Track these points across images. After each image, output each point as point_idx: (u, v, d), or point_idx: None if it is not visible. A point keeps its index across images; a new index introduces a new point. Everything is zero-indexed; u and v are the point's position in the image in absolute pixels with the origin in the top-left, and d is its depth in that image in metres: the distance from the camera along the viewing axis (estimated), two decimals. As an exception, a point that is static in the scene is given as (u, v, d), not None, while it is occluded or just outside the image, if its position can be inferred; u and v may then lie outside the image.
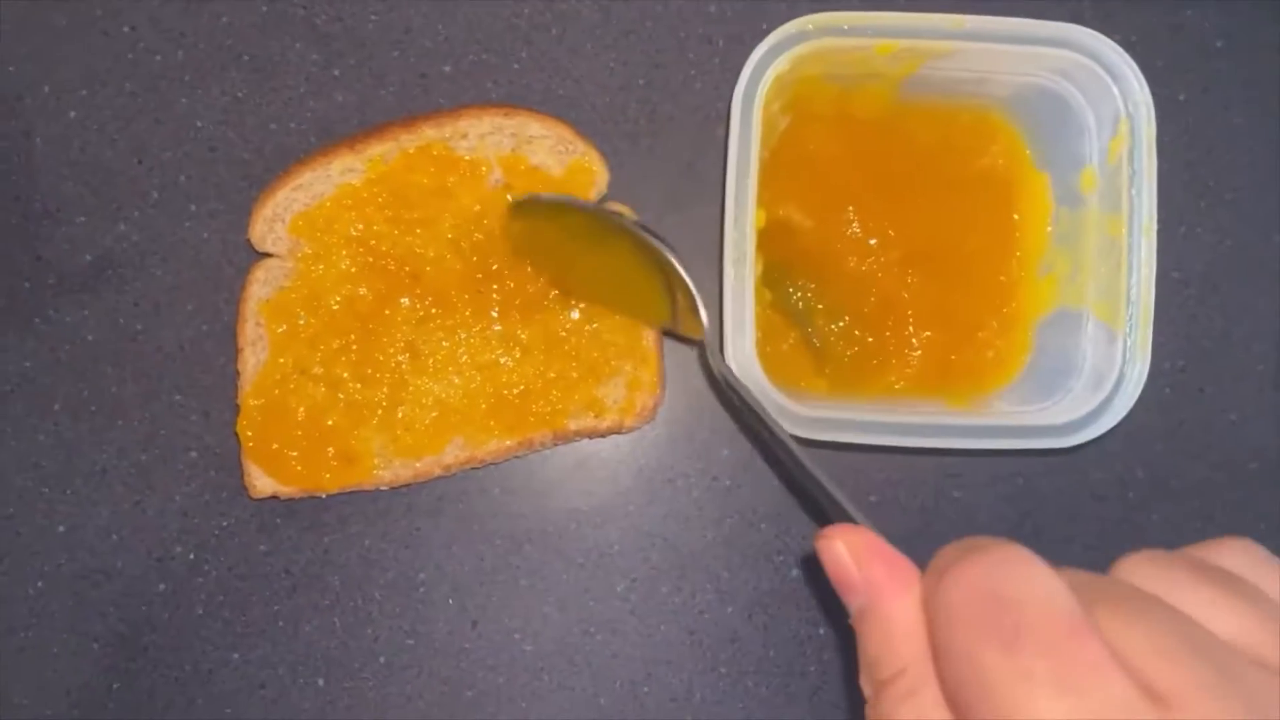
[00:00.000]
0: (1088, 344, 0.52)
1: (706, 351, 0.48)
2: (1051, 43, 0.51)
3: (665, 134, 0.59)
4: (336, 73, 0.58)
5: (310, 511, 0.56)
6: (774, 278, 0.54)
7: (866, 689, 0.29)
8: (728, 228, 0.49)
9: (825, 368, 0.55)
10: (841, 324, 0.55)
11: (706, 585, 0.57)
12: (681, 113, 0.59)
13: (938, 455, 0.54)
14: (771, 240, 0.53)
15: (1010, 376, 0.55)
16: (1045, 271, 0.55)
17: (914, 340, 0.55)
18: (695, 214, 0.58)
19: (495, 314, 0.54)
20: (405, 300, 0.54)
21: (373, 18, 0.58)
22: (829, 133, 0.55)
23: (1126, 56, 0.50)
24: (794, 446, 0.39)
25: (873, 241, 0.55)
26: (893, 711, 0.27)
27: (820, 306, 0.55)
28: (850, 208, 0.55)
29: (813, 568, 0.57)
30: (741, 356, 0.49)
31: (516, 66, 0.58)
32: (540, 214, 0.54)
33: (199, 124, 0.57)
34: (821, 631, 0.57)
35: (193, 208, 0.57)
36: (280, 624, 0.56)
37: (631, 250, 0.50)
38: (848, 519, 0.33)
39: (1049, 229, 0.55)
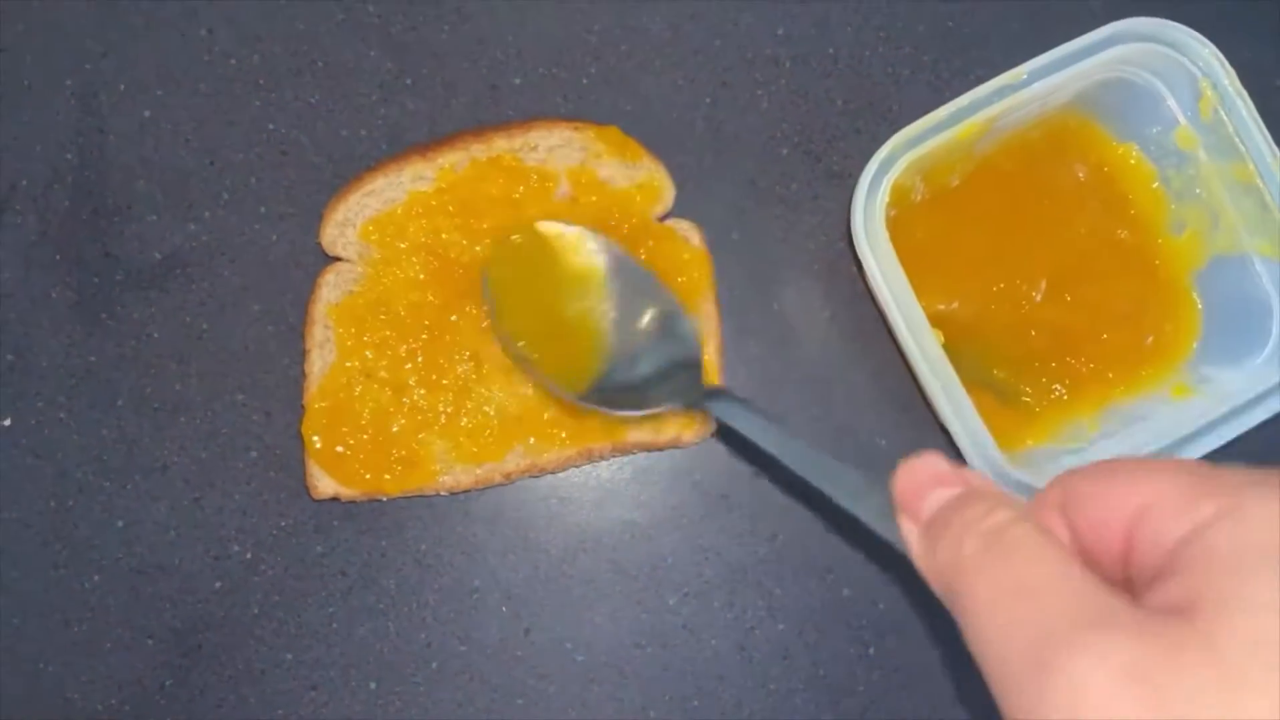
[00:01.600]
0: (1268, 284, 0.53)
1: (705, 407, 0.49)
2: (1101, 47, 0.52)
3: (730, 152, 0.59)
4: (409, 81, 0.58)
5: (368, 515, 0.57)
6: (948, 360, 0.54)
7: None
8: (914, 358, 0.50)
9: (1031, 418, 0.56)
10: (1023, 373, 0.56)
11: (758, 601, 0.57)
12: (746, 132, 0.59)
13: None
14: None
15: (1194, 335, 0.56)
16: (1181, 230, 0.56)
17: (1095, 349, 0.56)
18: (758, 229, 0.59)
19: None
20: (471, 308, 0.55)
21: (446, 28, 0.59)
22: (929, 216, 0.56)
23: (1178, 26, 0.52)
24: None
25: (1015, 286, 0.56)
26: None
27: (996, 368, 0.56)
28: (979, 270, 0.56)
29: (865, 586, 0.57)
30: (993, 467, 0.50)
31: (585, 81, 0.59)
32: (544, 239, 0.54)
33: (271, 127, 0.58)
34: (872, 651, 0.57)
35: (262, 210, 0.57)
36: (334, 626, 0.56)
37: (601, 306, 0.52)
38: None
39: (1156, 187, 0.56)
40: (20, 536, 0.56)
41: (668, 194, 0.56)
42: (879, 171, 0.50)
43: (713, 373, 0.56)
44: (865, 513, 0.35)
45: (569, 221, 0.54)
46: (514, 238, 0.54)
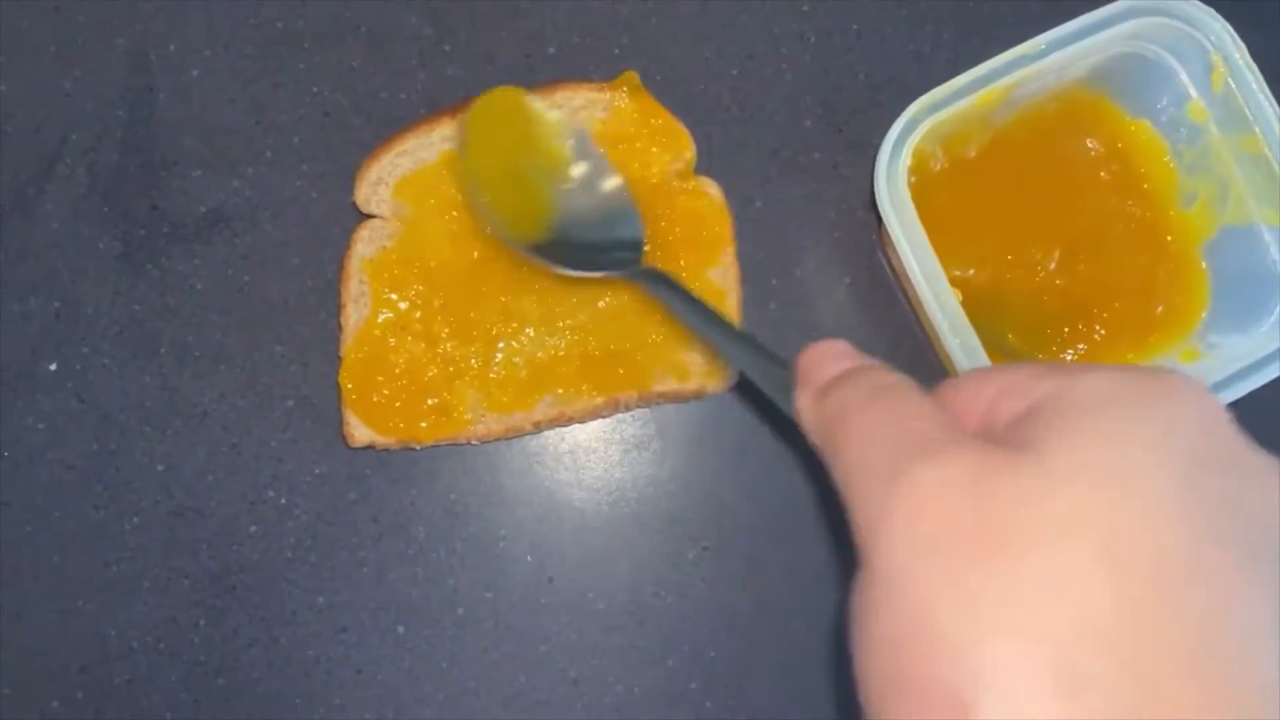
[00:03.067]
0: (1276, 253, 0.55)
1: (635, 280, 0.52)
2: (1116, 20, 0.54)
3: (754, 122, 0.61)
4: (447, 48, 0.61)
5: (399, 464, 0.58)
6: None
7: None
8: (935, 315, 0.52)
9: None
10: (1036, 338, 0.58)
11: (777, 557, 0.59)
12: (771, 103, 0.61)
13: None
14: None
15: (1203, 305, 0.58)
16: (1191, 202, 0.58)
17: (1106, 317, 0.58)
18: (779, 193, 0.61)
19: (585, 278, 0.57)
20: (501, 263, 0.57)
21: (485, -2, 0.61)
22: (947, 185, 0.58)
23: (1190, 1, 0.53)
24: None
25: (1030, 255, 0.58)
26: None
27: (1010, 334, 0.58)
28: (996, 239, 0.58)
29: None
30: None
31: (616, 51, 0.61)
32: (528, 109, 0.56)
33: (315, 89, 0.60)
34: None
35: (304, 168, 0.60)
36: (365, 570, 0.58)
37: (561, 175, 0.55)
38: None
39: (1168, 161, 0.58)
40: (63, 478, 0.58)
41: (687, 150, 0.58)
42: (901, 134, 0.52)
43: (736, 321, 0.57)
44: (768, 386, 0.39)
45: (553, 105, 0.57)
46: (501, 94, 0.56)
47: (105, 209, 0.59)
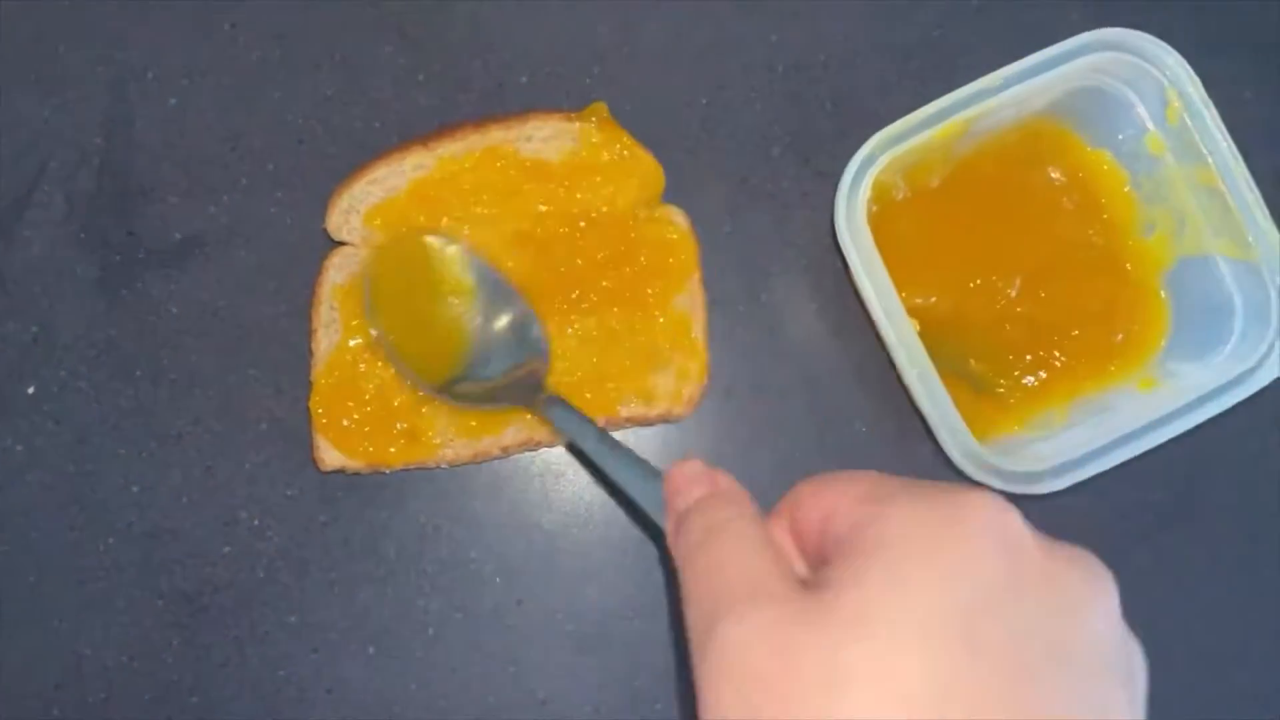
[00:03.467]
0: (1231, 284, 0.56)
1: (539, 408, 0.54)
2: (1074, 55, 0.55)
3: (723, 150, 0.62)
4: (421, 77, 0.62)
5: (370, 487, 0.59)
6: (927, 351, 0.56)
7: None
8: (892, 346, 0.53)
9: (1005, 407, 0.59)
10: (998, 364, 0.59)
11: (742, 578, 0.60)
12: (740, 132, 0.63)
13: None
14: None
15: (1162, 334, 0.59)
16: (1150, 231, 0.59)
17: (1067, 344, 0.59)
18: (747, 221, 0.62)
19: (553, 306, 0.58)
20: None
21: (459, 28, 0.62)
22: (909, 214, 0.59)
23: (1146, 36, 0.55)
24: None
25: (992, 282, 0.59)
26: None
27: (973, 360, 0.59)
28: (958, 266, 0.59)
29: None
30: (966, 451, 0.53)
31: (588, 81, 0.62)
32: (428, 251, 0.58)
33: (289, 117, 0.61)
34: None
35: (278, 195, 0.61)
36: (336, 591, 0.59)
37: (467, 318, 0.57)
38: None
39: (1128, 191, 0.59)
40: (40, 499, 0.58)
41: (657, 181, 0.59)
42: (861, 168, 0.53)
43: (698, 352, 0.58)
44: (648, 506, 0.40)
45: (450, 239, 0.58)
46: (400, 242, 0.58)
47: (83, 235, 0.60)
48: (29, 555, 0.58)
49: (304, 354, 0.59)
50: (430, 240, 0.58)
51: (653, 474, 0.41)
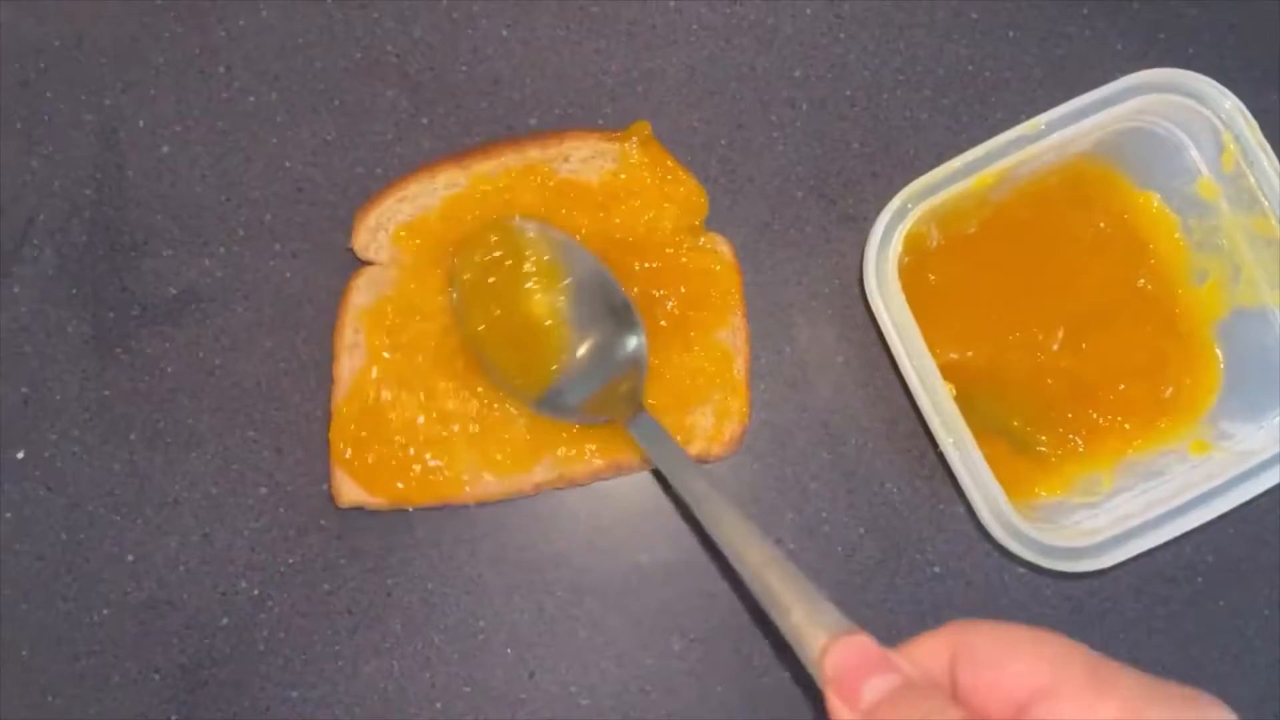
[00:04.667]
0: None
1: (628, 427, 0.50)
2: (1121, 98, 0.51)
3: (744, 194, 0.59)
4: (425, 120, 0.59)
5: (375, 554, 0.57)
6: (961, 410, 0.52)
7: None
8: (926, 411, 0.50)
9: (1047, 468, 0.55)
10: (1039, 420, 0.55)
11: (766, 649, 0.57)
12: (761, 174, 0.59)
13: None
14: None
15: (1214, 389, 0.56)
16: (1203, 280, 0.55)
17: (1112, 399, 0.55)
18: (771, 272, 0.58)
19: None
20: (502, 316, 0.55)
21: (463, 68, 0.59)
22: (945, 263, 0.55)
23: (1200, 77, 0.51)
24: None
25: (1032, 334, 0.56)
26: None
27: (1012, 417, 0.55)
28: (996, 318, 0.56)
29: (882, 636, 0.56)
30: (1005, 523, 0.50)
31: (601, 122, 0.59)
32: (519, 240, 0.54)
33: (288, 164, 0.58)
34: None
35: (277, 246, 0.58)
36: (340, 664, 0.56)
37: (563, 311, 0.54)
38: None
39: (1178, 237, 0.56)
40: (31, 568, 0.56)
41: (699, 205, 0.56)
42: (891, 223, 0.50)
43: (739, 390, 0.55)
44: (785, 628, 0.37)
45: (544, 223, 0.54)
46: (491, 236, 0.54)
47: (74, 291, 0.57)
48: (20, 627, 0.56)
49: (307, 413, 0.57)
50: (519, 224, 0.54)
51: (798, 585, 0.37)
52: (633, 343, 0.53)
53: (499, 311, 0.54)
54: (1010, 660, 0.31)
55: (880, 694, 0.32)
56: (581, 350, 0.54)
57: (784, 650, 0.56)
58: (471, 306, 0.54)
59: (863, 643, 0.34)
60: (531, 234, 0.54)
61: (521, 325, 0.54)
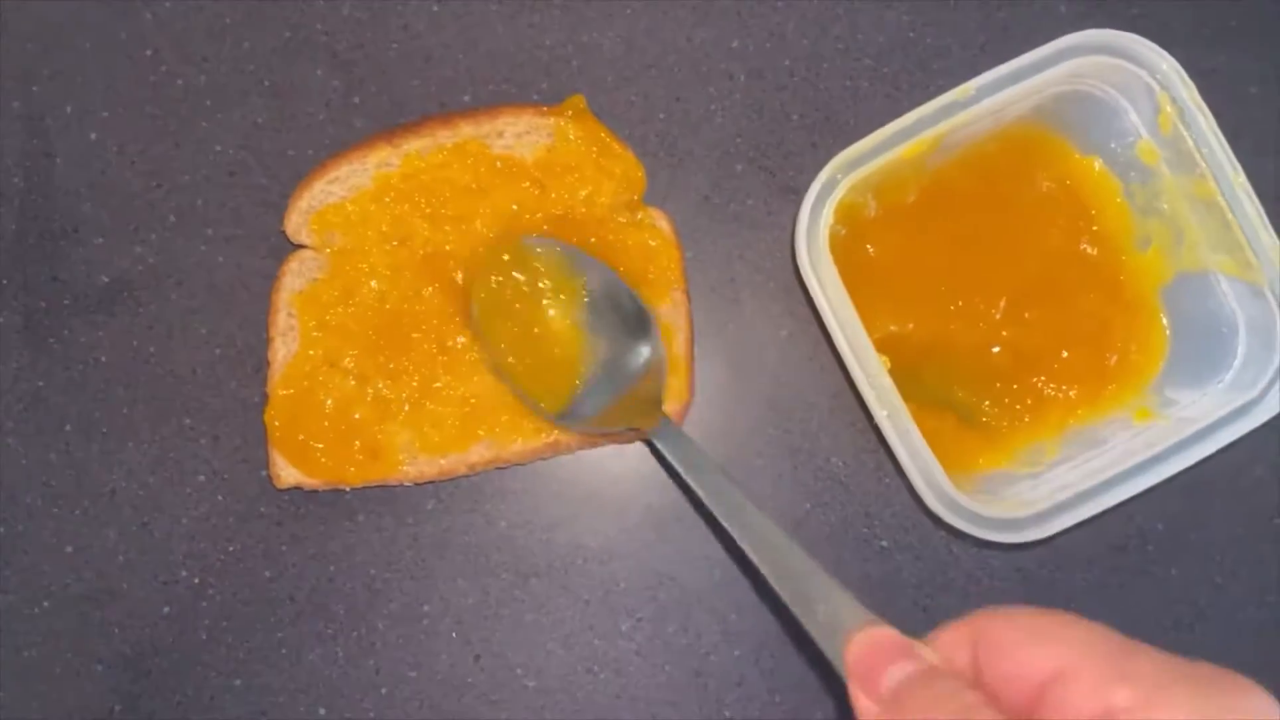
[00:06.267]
0: (1234, 303, 0.51)
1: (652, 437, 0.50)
2: (1055, 60, 0.50)
3: (683, 168, 0.58)
4: (356, 100, 0.58)
5: (316, 539, 0.56)
6: (902, 383, 0.51)
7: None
8: (861, 385, 0.49)
9: (993, 438, 0.54)
10: (984, 391, 0.55)
11: (714, 627, 0.56)
12: (700, 147, 0.58)
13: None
14: (884, 354, 0.52)
15: (1160, 355, 0.55)
16: (1146, 245, 0.54)
17: (1057, 368, 0.55)
18: (712, 246, 0.58)
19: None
20: (435, 297, 0.54)
21: (394, 46, 0.58)
22: (883, 233, 0.54)
23: (1135, 37, 0.50)
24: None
25: (974, 304, 0.55)
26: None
27: (957, 388, 0.54)
28: (938, 288, 0.55)
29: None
30: (941, 496, 0.49)
31: (536, 97, 0.58)
32: (530, 257, 0.54)
33: (218, 148, 0.57)
34: (830, 680, 0.56)
35: (209, 231, 0.57)
36: (283, 651, 0.55)
37: (581, 324, 0.53)
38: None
39: (1121, 201, 0.54)
40: (-31, 562, 0.55)
41: (637, 179, 0.55)
42: (821, 194, 0.49)
43: (680, 367, 0.55)
44: (811, 624, 0.37)
45: (557, 239, 0.54)
46: (502, 255, 0.54)
47: (4, 281, 0.57)
48: (-40, 622, 0.55)
49: (243, 400, 0.56)
50: (528, 244, 0.54)
51: (819, 578, 0.37)
52: (647, 350, 0.53)
53: (518, 330, 0.53)
54: (1031, 645, 0.30)
55: (899, 681, 0.32)
56: (599, 361, 0.53)
57: (731, 631, 0.56)
58: (491, 328, 0.53)
59: (885, 634, 0.34)
60: (541, 250, 0.54)
61: (542, 341, 0.53)
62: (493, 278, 0.54)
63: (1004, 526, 0.48)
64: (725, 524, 0.44)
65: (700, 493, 0.46)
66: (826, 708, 0.56)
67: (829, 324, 0.49)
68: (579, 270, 0.54)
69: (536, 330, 0.54)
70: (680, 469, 0.48)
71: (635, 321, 0.53)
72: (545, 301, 0.54)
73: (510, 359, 0.53)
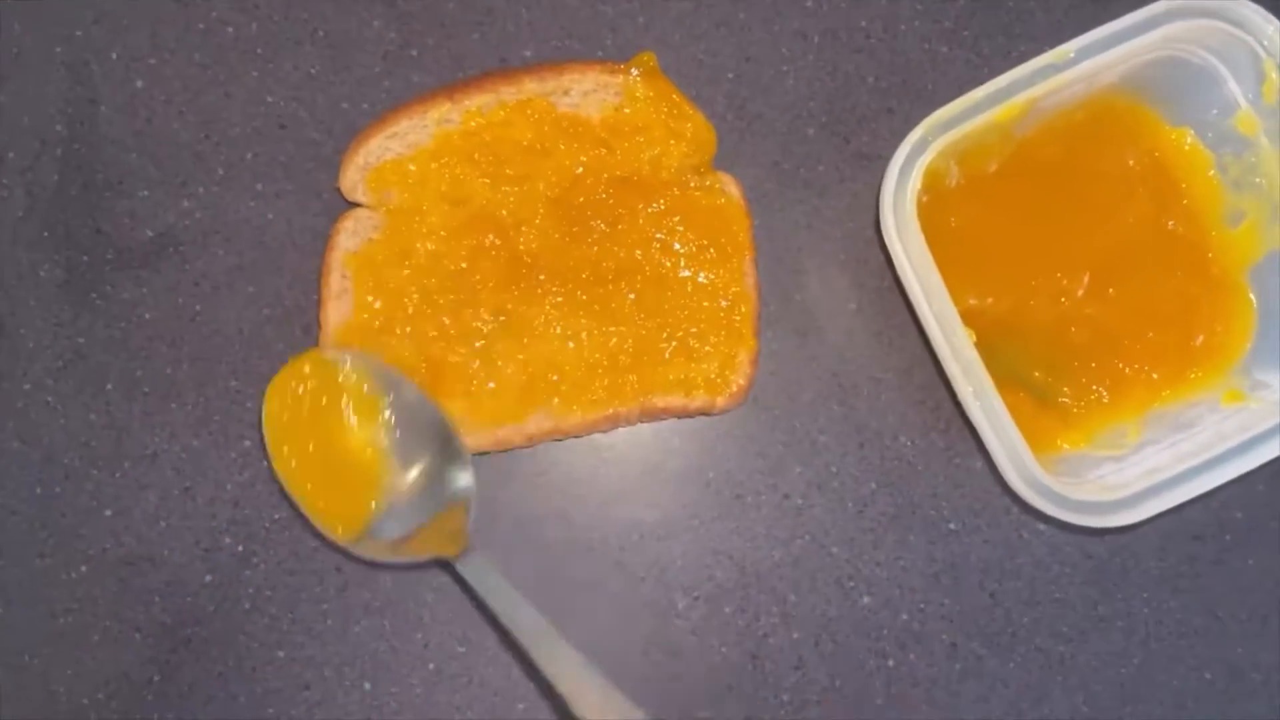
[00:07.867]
0: None
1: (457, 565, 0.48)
2: (1155, 24, 0.48)
3: (753, 132, 0.56)
4: (414, 53, 0.55)
5: (364, 508, 0.54)
6: (982, 359, 0.49)
7: None
8: (945, 359, 0.47)
9: (1070, 420, 0.52)
10: (1062, 372, 0.52)
11: (772, 608, 0.54)
12: (771, 110, 0.56)
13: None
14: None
15: (1248, 336, 0.52)
16: (1237, 221, 0.52)
17: (1140, 348, 0.52)
18: (781, 215, 0.55)
19: (587, 279, 0.52)
20: (496, 260, 0.52)
21: (454, -3, 0.55)
22: (964, 203, 0.52)
23: (1241, 0, 0.47)
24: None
25: (1055, 280, 0.53)
26: None
27: (1035, 370, 0.52)
28: (1018, 262, 0.52)
29: (885, 595, 0.54)
30: (1026, 477, 0.47)
31: (600, 54, 0.56)
32: (335, 371, 0.50)
33: (269, 99, 0.55)
34: (891, 663, 0.54)
35: (259, 186, 0.55)
36: (329, 623, 0.54)
37: (381, 444, 0.50)
38: None
39: (1212, 175, 0.52)
40: (5, 524, 0.54)
41: (707, 142, 0.53)
42: (909, 157, 0.46)
43: (746, 339, 0.53)
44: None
45: (363, 353, 0.51)
46: (305, 368, 0.50)
47: (45, 233, 0.54)
48: (-4, 585, 0.54)
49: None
50: (330, 356, 0.50)
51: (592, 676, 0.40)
52: (462, 478, 0.50)
53: (312, 446, 0.50)
54: None
55: None
56: (404, 484, 0.50)
57: (790, 612, 0.54)
58: (281, 443, 0.50)
59: None
60: (348, 365, 0.50)
61: (337, 459, 0.50)
62: (291, 388, 0.50)
63: (1091, 510, 0.46)
64: (531, 656, 0.43)
65: (510, 629, 0.45)
66: (888, 694, 0.54)
67: (912, 293, 0.47)
68: (387, 388, 0.50)
69: (333, 447, 0.50)
70: (490, 603, 0.46)
71: (449, 447, 0.50)
72: (345, 417, 0.50)
73: (299, 477, 0.50)
